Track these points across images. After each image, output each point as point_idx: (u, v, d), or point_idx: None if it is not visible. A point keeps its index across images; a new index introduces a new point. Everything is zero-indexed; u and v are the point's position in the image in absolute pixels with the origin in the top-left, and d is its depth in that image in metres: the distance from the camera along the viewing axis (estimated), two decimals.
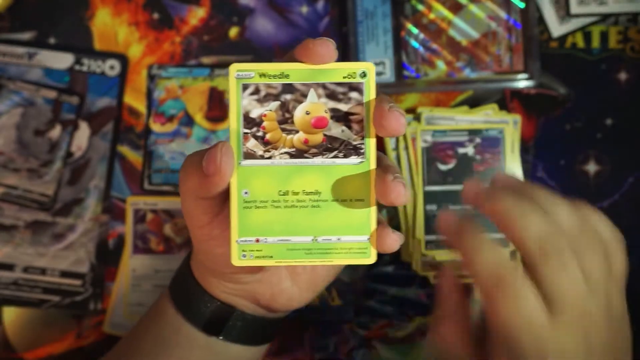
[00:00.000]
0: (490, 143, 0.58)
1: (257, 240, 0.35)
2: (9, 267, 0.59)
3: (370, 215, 0.35)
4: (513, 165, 0.58)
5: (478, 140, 0.58)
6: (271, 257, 0.36)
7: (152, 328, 0.44)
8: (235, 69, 0.35)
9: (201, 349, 0.42)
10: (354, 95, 0.35)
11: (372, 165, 0.35)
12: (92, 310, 0.59)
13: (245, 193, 0.35)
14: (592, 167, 0.60)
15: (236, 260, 0.35)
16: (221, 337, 0.42)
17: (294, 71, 0.35)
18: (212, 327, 0.42)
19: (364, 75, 0.35)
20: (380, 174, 0.35)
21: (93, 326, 0.59)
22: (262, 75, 0.35)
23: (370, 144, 0.35)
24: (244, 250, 0.35)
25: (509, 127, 0.58)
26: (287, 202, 0.35)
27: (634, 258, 0.60)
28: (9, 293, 0.59)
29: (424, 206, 0.57)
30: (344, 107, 0.35)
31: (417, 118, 0.59)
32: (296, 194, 0.35)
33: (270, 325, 0.45)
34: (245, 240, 0.35)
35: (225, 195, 0.36)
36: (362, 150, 0.35)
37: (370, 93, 0.35)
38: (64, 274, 0.59)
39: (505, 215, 0.37)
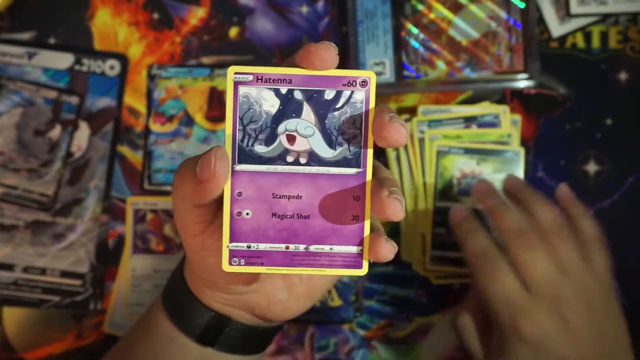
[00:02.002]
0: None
1: (249, 247, 0.35)
2: (9, 267, 0.59)
3: (364, 226, 0.35)
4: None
5: (474, 126, 0.58)
6: (262, 264, 0.35)
7: (145, 338, 0.44)
8: (233, 70, 0.34)
9: (196, 359, 0.42)
10: (353, 103, 0.34)
11: (369, 176, 0.35)
12: (92, 310, 0.59)
13: (238, 197, 0.34)
14: (592, 167, 0.60)
15: (226, 266, 0.35)
16: (216, 348, 0.42)
17: (294, 76, 0.34)
18: (206, 337, 0.42)
19: (364, 83, 0.34)
20: (376, 188, 0.34)
21: (93, 326, 0.59)
22: (260, 78, 0.34)
23: (368, 155, 0.34)
24: (234, 256, 0.35)
25: (506, 114, 0.58)
26: (280, 209, 0.35)
27: (634, 258, 0.60)
28: (9, 293, 0.59)
29: (433, 219, 0.58)
30: (342, 114, 0.34)
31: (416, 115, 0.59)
32: (290, 201, 0.35)
33: (266, 334, 0.44)
34: (236, 246, 0.35)
35: (219, 203, 0.35)
36: (358, 161, 0.34)
37: (370, 102, 0.34)
38: (64, 274, 0.59)
39: (492, 211, 0.52)
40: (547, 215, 0.50)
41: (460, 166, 0.58)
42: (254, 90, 0.34)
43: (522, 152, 0.58)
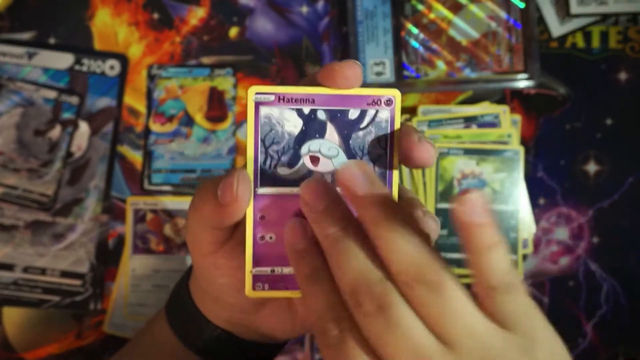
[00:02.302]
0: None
1: (272, 271, 0.34)
2: (9, 267, 0.59)
3: None
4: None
5: (474, 126, 0.58)
6: (286, 288, 0.34)
7: (149, 350, 0.43)
8: (254, 91, 0.33)
9: None
10: (377, 123, 0.33)
11: (395, 197, 0.34)
12: (92, 310, 0.59)
13: (261, 220, 0.34)
14: (592, 167, 0.60)
15: (250, 292, 0.34)
16: None
17: (317, 95, 0.33)
18: (211, 354, 0.41)
19: (389, 102, 0.33)
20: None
21: (93, 326, 0.59)
22: (282, 98, 0.33)
23: (394, 175, 0.34)
24: (258, 281, 0.34)
25: (506, 114, 0.58)
26: None
27: (634, 258, 0.60)
28: (9, 293, 0.59)
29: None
30: (366, 134, 0.33)
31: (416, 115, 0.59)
32: None
33: (270, 351, 0.44)
34: (260, 271, 0.34)
35: (237, 224, 0.34)
36: (384, 181, 0.33)
37: (395, 121, 0.33)
38: (64, 274, 0.59)
39: (326, 249, 0.31)
40: (405, 257, 0.28)
41: (460, 167, 0.58)
42: (275, 110, 0.33)
43: (521, 151, 0.58)
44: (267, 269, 0.34)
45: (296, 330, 0.40)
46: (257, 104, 0.33)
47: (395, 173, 0.34)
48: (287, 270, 0.34)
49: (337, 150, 0.33)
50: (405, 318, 0.28)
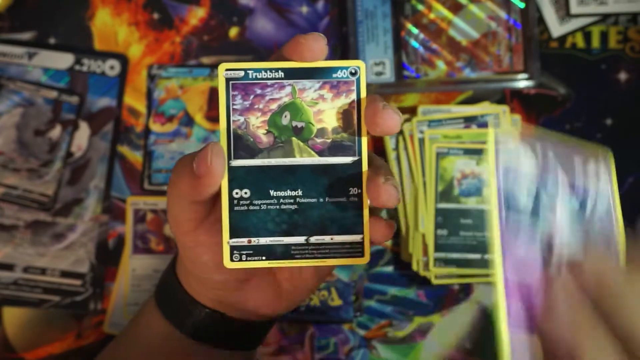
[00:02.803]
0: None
1: (249, 242, 0.35)
2: (9, 267, 0.59)
3: (363, 214, 0.35)
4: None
5: (474, 126, 0.58)
6: (263, 258, 0.35)
7: (140, 336, 0.44)
8: (223, 67, 0.34)
9: (191, 356, 0.42)
10: (344, 93, 0.34)
11: (365, 164, 0.35)
12: (92, 310, 0.59)
13: (236, 193, 0.34)
14: None
15: (228, 262, 0.35)
16: (211, 344, 0.42)
17: (284, 69, 0.34)
18: (201, 334, 0.42)
19: (354, 72, 0.34)
20: (371, 175, 0.34)
21: (93, 326, 0.59)
22: (250, 73, 0.34)
23: (363, 143, 0.35)
24: (235, 252, 0.35)
25: (505, 114, 0.58)
26: (278, 202, 0.35)
27: None
28: (9, 293, 0.59)
29: (434, 222, 0.58)
30: (334, 105, 0.35)
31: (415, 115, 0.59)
32: (288, 193, 0.35)
33: (260, 329, 0.44)
34: (237, 242, 0.35)
35: (214, 199, 0.35)
36: (353, 149, 0.35)
37: (361, 91, 0.34)
38: (64, 274, 0.59)
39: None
40: None
41: (460, 167, 0.58)
42: (244, 85, 0.34)
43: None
44: (244, 240, 0.35)
45: (282, 305, 0.41)
46: (228, 80, 0.34)
47: (364, 140, 0.35)
48: (263, 240, 0.35)
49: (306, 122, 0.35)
50: None
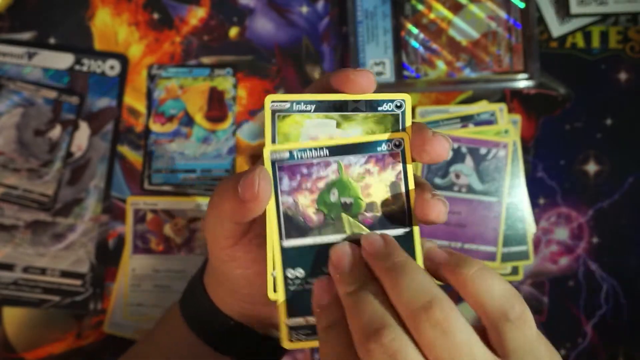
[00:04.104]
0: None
1: (307, 321, 0.34)
2: (9, 267, 0.59)
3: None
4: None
5: (471, 125, 0.58)
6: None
7: (162, 342, 0.44)
8: (270, 99, 0.34)
9: None
10: (390, 165, 0.34)
11: (416, 235, 0.34)
12: (92, 310, 0.59)
13: (291, 273, 0.34)
14: (592, 167, 0.60)
15: (286, 343, 0.34)
16: (234, 356, 0.42)
17: (329, 147, 0.34)
18: (225, 345, 0.42)
19: (400, 106, 0.34)
20: (418, 193, 0.34)
21: (93, 326, 0.59)
22: (295, 154, 0.34)
23: (408, 170, 0.34)
24: (293, 331, 0.34)
25: (502, 112, 0.58)
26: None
27: (634, 258, 0.60)
28: (9, 293, 0.59)
29: None
30: (381, 178, 0.34)
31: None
32: None
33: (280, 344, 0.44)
34: (295, 322, 0.34)
35: (255, 219, 0.35)
36: (403, 221, 0.34)
37: (407, 121, 0.34)
38: (64, 274, 0.59)
39: (347, 304, 0.33)
40: (413, 297, 0.30)
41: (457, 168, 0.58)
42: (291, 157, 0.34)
43: (510, 144, 0.58)
44: (301, 319, 0.34)
45: None
46: (274, 163, 0.34)
47: (409, 167, 0.34)
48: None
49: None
50: None
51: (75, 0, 0.60)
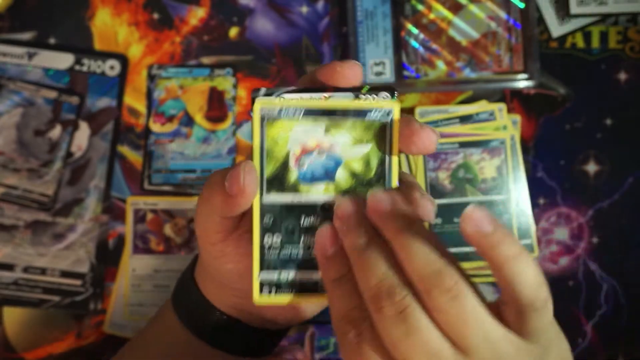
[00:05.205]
0: None
1: (279, 276, 0.35)
2: (9, 267, 0.59)
3: None
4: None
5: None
6: (291, 293, 0.35)
7: (155, 339, 0.44)
8: (259, 105, 0.34)
9: None
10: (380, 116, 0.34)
11: (395, 182, 0.35)
12: (92, 310, 0.59)
13: (267, 227, 0.35)
14: (592, 167, 0.60)
15: (257, 298, 0.35)
16: (226, 350, 0.42)
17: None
18: (217, 339, 0.42)
19: (388, 114, 0.34)
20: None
21: (93, 326, 0.59)
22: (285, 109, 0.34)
23: (393, 163, 0.35)
24: (264, 286, 0.35)
25: (502, 112, 0.59)
26: (308, 237, 0.35)
27: (634, 258, 0.60)
28: (9, 293, 0.59)
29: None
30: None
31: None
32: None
33: (275, 337, 0.44)
34: (267, 276, 0.35)
35: (243, 214, 0.36)
36: (383, 178, 0.35)
37: (395, 113, 0.34)
38: (64, 274, 0.59)
39: (354, 260, 0.33)
40: (424, 264, 0.30)
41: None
42: (277, 122, 0.34)
43: (507, 139, 0.58)
44: (274, 274, 0.35)
45: (299, 315, 0.42)
46: (263, 118, 0.34)
47: (395, 159, 0.35)
48: (292, 275, 0.35)
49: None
50: (422, 323, 0.29)
51: (75, 0, 0.60)
